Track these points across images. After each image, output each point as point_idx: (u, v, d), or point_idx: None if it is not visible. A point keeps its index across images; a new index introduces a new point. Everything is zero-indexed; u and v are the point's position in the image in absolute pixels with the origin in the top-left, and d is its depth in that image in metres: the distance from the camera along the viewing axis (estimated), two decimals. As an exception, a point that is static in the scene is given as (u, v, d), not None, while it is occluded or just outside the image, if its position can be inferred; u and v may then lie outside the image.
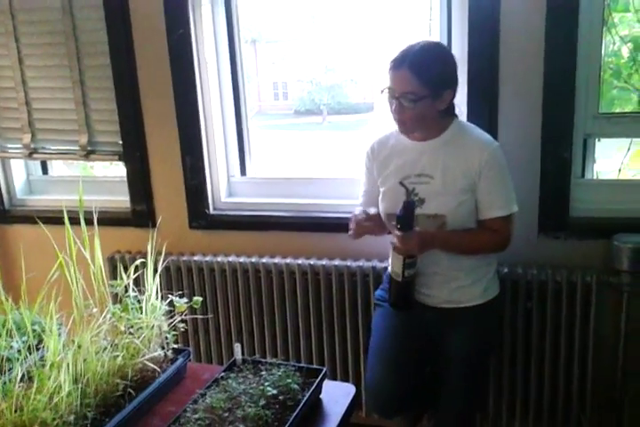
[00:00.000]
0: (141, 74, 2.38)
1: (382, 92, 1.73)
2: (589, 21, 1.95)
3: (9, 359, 1.40)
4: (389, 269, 1.80)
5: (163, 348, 1.56)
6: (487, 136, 1.81)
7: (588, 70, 2.00)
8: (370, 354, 1.93)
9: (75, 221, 1.52)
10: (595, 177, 2.18)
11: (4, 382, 1.29)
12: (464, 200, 1.75)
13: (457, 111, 1.83)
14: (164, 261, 1.67)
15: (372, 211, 1.82)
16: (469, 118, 2.07)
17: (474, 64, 2.04)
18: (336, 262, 2.23)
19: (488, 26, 1.99)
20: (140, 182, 2.47)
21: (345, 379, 2.25)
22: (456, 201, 1.75)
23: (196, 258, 2.38)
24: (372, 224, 1.79)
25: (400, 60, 1.68)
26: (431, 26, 2.55)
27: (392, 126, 1.85)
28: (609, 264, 2.01)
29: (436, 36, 2.19)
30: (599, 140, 2.14)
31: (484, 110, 2.06)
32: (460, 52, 2.06)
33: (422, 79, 1.66)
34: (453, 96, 1.76)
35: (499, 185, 1.76)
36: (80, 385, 1.33)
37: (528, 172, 2.06)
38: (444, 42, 2.14)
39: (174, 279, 2.38)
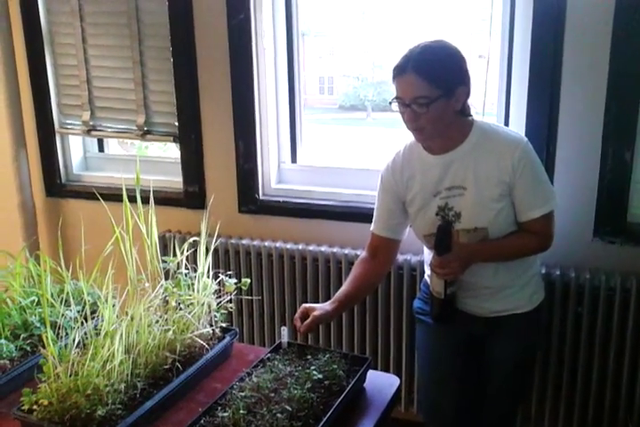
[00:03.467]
0: (200, 57, 2.41)
1: (391, 103, 1.61)
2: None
3: (64, 327, 1.44)
4: (430, 285, 1.73)
5: (211, 325, 1.57)
6: (513, 133, 1.71)
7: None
8: (420, 374, 1.93)
9: (129, 198, 1.54)
10: (656, 183, 2.12)
11: (61, 348, 1.32)
12: (502, 208, 1.65)
13: (473, 111, 1.70)
14: (213, 242, 1.69)
15: (307, 306, 1.70)
16: (529, 114, 2.04)
17: (536, 60, 2.00)
18: (383, 254, 2.22)
19: (553, 20, 1.94)
20: (193, 164, 2.50)
21: (386, 370, 2.24)
22: (494, 211, 1.65)
23: (244, 242, 2.39)
24: (315, 319, 1.64)
25: (403, 66, 1.56)
26: (491, 24, 2.50)
27: (406, 142, 1.76)
28: (666, 273, 1.96)
29: (498, 30, 2.15)
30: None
31: (544, 106, 2.01)
32: (522, 46, 2.04)
33: (431, 80, 1.54)
34: (468, 93, 1.63)
35: (535, 183, 1.66)
36: (131, 355, 1.36)
37: (586, 171, 2.01)
38: (506, 39, 2.11)
39: (222, 261, 2.40)
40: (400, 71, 1.57)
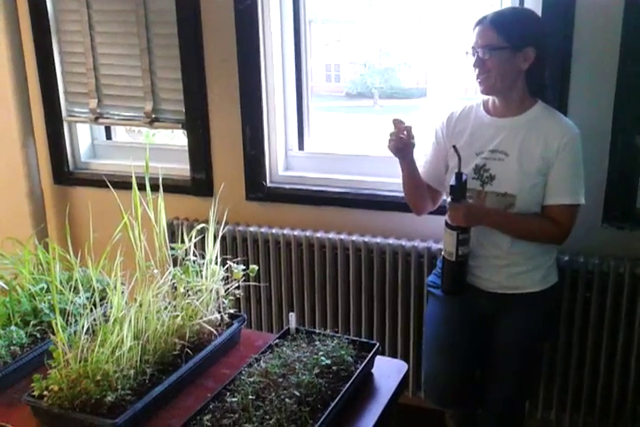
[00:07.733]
0: (207, 43, 2.40)
1: (467, 53, 1.73)
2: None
3: (73, 314, 1.45)
4: (443, 248, 1.77)
5: (219, 312, 1.58)
6: (570, 122, 1.77)
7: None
8: (425, 344, 1.94)
9: (137, 185, 1.54)
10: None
11: (70, 334, 1.33)
12: (537, 183, 1.71)
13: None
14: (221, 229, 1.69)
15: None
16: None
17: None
18: (390, 241, 2.22)
19: (563, 3, 1.92)
20: (200, 151, 2.49)
21: (394, 355, 2.24)
22: (529, 182, 1.71)
23: (251, 229, 2.39)
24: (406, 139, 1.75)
25: (483, 18, 1.71)
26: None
27: (473, 103, 1.85)
28: (675, 259, 1.94)
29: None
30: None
31: (555, 90, 1.98)
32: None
33: (501, 32, 1.66)
34: (540, 59, 1.70)
35: (570, 172, 1.71)
36: (140, 342, 1.37)
37: (596, 157, 1.98)
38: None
39: (229, 248, 2.41)
40: (478, 22, 1.71)
